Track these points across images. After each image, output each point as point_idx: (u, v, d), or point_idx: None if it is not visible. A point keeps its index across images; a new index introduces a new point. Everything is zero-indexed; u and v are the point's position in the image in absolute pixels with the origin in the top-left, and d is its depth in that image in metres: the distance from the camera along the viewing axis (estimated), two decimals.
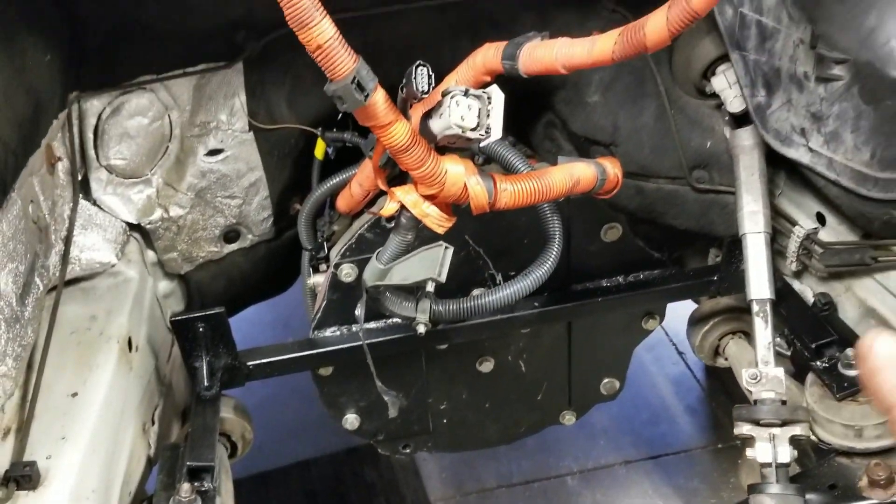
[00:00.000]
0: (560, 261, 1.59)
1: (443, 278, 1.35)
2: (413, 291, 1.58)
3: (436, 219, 1.32)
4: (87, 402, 1.33)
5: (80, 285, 1.61)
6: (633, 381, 3.39)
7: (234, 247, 1.86)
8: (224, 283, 1.89)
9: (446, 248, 1.36)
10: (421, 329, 1.53)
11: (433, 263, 1.35)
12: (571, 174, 1.42)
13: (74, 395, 1.34)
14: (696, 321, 2.02)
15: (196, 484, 1.39)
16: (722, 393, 3.34)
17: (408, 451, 1.96)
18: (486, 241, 1.72)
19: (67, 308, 1.53)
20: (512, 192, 1.34)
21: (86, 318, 1.52)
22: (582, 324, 1.89)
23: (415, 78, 1.10)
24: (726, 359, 2.00)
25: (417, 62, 1.09)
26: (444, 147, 1.28)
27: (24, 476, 1.13)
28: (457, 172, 1.28)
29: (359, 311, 1.51)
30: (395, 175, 1.46)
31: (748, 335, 1.98)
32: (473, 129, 1.17)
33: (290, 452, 3.15)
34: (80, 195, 1.63)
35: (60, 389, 1.34)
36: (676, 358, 3.56)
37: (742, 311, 1.97)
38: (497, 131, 1.19)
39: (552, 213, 1.55)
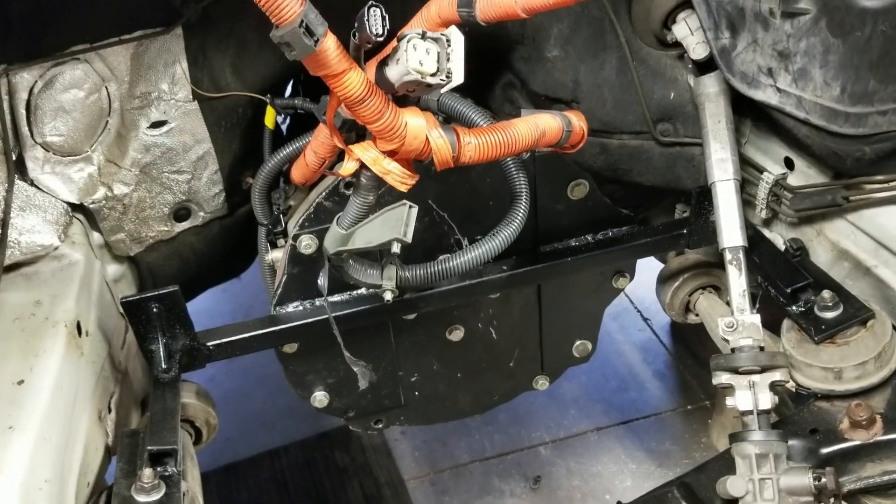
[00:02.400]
0: (527, 222, 1.54)
1: (408, 238, 1.28)
2: (377, 258, 1.52)
3: (398, 176, 1.25)
4: (34, 389, 1.24)
5: (22, 270, 1.52)
6: (600, 349, 3.36)
7: (185, 225, 1.77)
8: (177, 265, 1.80)
9: (410, 206, 1.30)
10: (388, 296, 1.46)
11: (397, 223, 1.29)
12: (537, 125, 1.36)
13: (20, 382, 1.25)
14: (665, 279, 1.99)
15: (159, 469, 1.31)
16: (689, 356, 3.36)
17: (380, 426, 1.90)
18: (450, 205, 1.66)
19: (9, 294, 1.44)
20: (476, 145, 1.28)
21: (29, 303, 1.43)
22: (552, 286, 1.84)
23: (367, 20, 1.03)
24: (697, 314, 1.98)
25: (370, 3, 1.02)
26: (402, 98, 1.21)
27: None
28: (418, 125, 1.22)
29: (321, 282, 1.44)
30: (352, 142, 1.39)
31: (718, 289, 1.96)
32: (433, 75, 1.11)
33: (259, 442, 3.09)
34: (16, 175, 1.53)
35: (4, 378, 1.25)
36: (642, 325, 3.57)
37: (711, 266, 1.95)
38: (459, 75, 1.13)
39: (517, 170, 1.50)
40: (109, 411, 1.50)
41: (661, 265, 2.06)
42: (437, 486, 2.93)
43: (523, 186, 1.48)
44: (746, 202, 1.73)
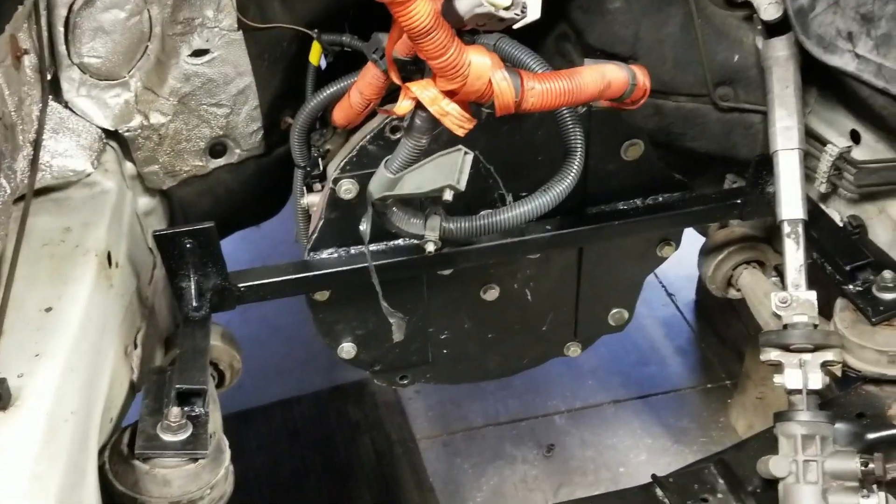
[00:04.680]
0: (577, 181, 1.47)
1: (462, 186, 1.22)
2: (422, 208, 1.46)
3: (456, 118, 1.18)
4: (63, 318, 1.19)
5: (52, 196, 1.46)
6: None
7: (220, 162, 1.70)
8: (210, 202, 1.74)
9: (466, 153, 1.23)
10: (430, 247, 1.41)
11: (451, 170, 1.22)
12: (603, 75, 1.29)
13: (49, 309, 1.19)
14: (708, 251, 1.93)
15: (186, 409, 1.27)
16: (712, 334, 3.30)
17: (405, 382, 1.85)
18: (498, 158, 1.60)
19: (38, 219, 1.38)
20: (540, 91, 1.21)
21: (59, 229, 1.37)
22: (594, 250, 1.78)
23: None
24: (738, 290, 1.91)
25: None
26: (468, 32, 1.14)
27: None
28: (482, 64, 1.14)
29: (364, 228, 1.38)
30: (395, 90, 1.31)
31: (763, 265, 1.89)
32: (507, 8, 1.04)
33: (272, 392, 3.07)
34: (51, 96, 1.46)
35: (33, 304, 1.20)
36: (666, 300, 3.51)
37: (757, 240, 1.88)
38: (535, 9, 1.06)
39: (574, 123, 1.43)
40: (136, 347, 1.45)
41: (687, 240, 1.99)
42: (448, 447, 2.90)
43: (579, 141, 1.41)
44: (806, 176, 1.66)
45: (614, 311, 1.90)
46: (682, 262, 2.08)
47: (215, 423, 1.48)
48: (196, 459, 1.23)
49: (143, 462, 1.20)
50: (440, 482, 2.75)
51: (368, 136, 1.53)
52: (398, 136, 1.40)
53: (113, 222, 1.44)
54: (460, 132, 1.21)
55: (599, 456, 2.86)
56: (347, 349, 1.75)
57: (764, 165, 1.59)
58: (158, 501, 1.19)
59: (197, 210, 1.72)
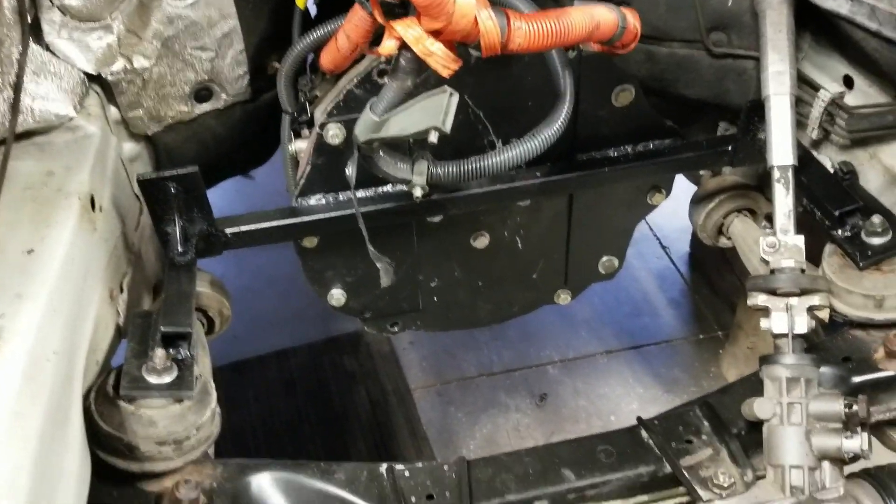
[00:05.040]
0: (566, 127, 1.45)
1: (447, 128, 1.20)
2: (409, 153, 1.44)
3: (441, 58, 1.16)
4: (45, 259, 1.18)
5: (35, 140, 1.44)
6: (616, 274, 3.35)
7: (206, 107, 1.68)
8: (196, 149, 1.72)
9: (451, 94, 1.21)
10: (417, 192, 1.39)
11: (436, 111, 1.20)
12: (592, 16, 1.27)
13: (30, 252, 1.19)
14: (699, 199, 1.91)
15: (171, 351, 1.27)
16: (705, 286, 3.32)
17: (396, 329, 1.86)
18: (487, 103, 1.57)
19: (21, 163, 1.36)
20: (527, 31, 1.19)
21: (41, 173, 1.36)
22: (585, 197, 1.77)
23: None
24: (729, 238, 1.91)
25: None
26: None
27: None
28: (467, 3, 1.12)
29: (349, 172, 1.37)
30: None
31: (754, 213, 1.88)
32: None
33: (267, 342, 3.09)
34: (31, 38, 1.44)
35: (14, 246, 1.19)
36: (660, 252, 3.52)
37: (749, 188, 1.87)
38: None
39: (563, 67, 1.40)
40: (121, 291, 1.45)
41: (682, 193, 1.97)
42: (442, 396, 2.93)
43: (569, 85, 1.39)
44: (797, 122, 1.64)
45: (604, 258, 1.90)
46: (677, 215, 2.08)
47: (204, 367, 1.49)
48: (181, 400, 1.23)
49: (128, 403, 1.21)
50: (434, 431, 2.79)
51: (355, 80, 1.51)
52: (386, 79, 1.37)
53: (96, 166, 1.43)
54: (445, 73, 1.19)
55: (591, 405, 2.90)
56: (337, 296, 1.75)
57: (755, 111, 1.57)
58: (144, 441, 1.20)
59: (183, 156, 1.70)
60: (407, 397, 2.90)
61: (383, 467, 1.36)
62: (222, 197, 3.56)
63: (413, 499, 1.31)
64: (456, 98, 1.21)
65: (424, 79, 1.30)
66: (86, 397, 1.22)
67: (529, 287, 1.89)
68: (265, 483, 1.30)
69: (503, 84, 1.56)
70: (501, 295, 1.88)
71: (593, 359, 3.09)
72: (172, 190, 1.43)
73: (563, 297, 1.93)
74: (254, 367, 3.00)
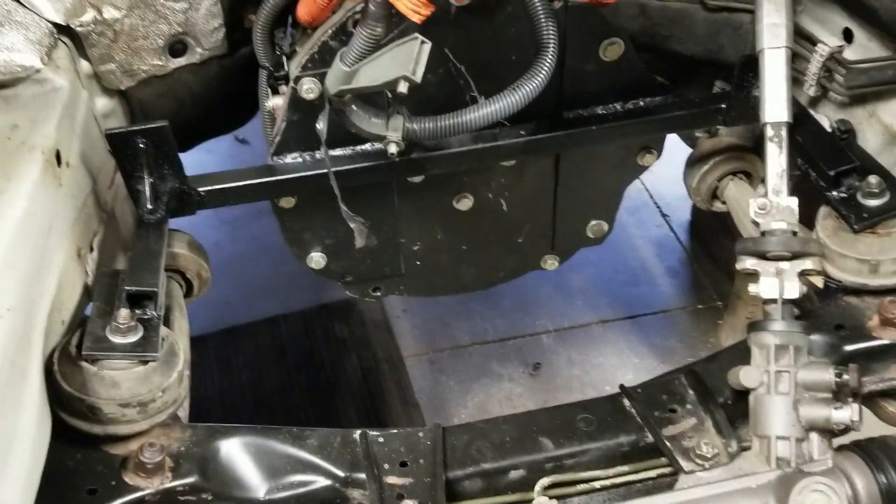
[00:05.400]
0: (552, 82, 1.39)
1: (417, 77, 1.15)
2: (384, 107, 1.39)
3: (410, 2, 1.10)
4: (4, 213, 1.14)
5: (1, 92, 1.39)
6: (614, 242, 3.29)
7: (181, 61, 1.63)
8: (172, 105, 1.67)
9: (423, 42, 1.16)
10: (392, 149, 1.35)
11: (406, 60, 1.15)
12: None
13: None
14: (694, 161, 1.86)
15: (137, 311, 1.23)
16: (705, 255, 3.26)
17: (378, 294, 1.81)
18: (469, 57, 1.51)
19: None
20: None
21: (5, 126, 1.31)
22: (572, 157, 1.71)
23: None
24: (724, 202, 1.85)
25: None
26: None
27: None
28: None
29: (320, 126, 1.32)
30: None
31: (749, 176, 1.82)
32: None
33: (259, 309, 3.06)
34: None
35: None
36: (660, 221, 3.46)
37: (744, 150, 1.81)
38: None
39: (546, 17, 1.34)
40: (91, 251, 1.41)
41: (684, 159, 1.92)
42: (435, 364, 2.90)
43: (551, 36, 1.33)
44: (793, 78, 1.57)
45: (593, 222, 1.84)
46: (678, 182, 2.02)
47: (180, 329, 1.46)
48: (146, 362, 1.20)
49: (90, 364, 1.18)
50: (425, 398, 2.76)
51: (330, 32, 1.44)
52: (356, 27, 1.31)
53: (64, 120, 1.38)
54: (415, 18, 1.13)
55: (585, 374, 2.86)
56: (317, 259, 1.70)
57: (750, 67, 1.51)
58: (107, 403, 1.16)
59: (159, 113, 1.65)
60: (399, 365, 2.87)
61: (357, 433, 1.32)
62: (220, 164, 3.53)
63: (386, 465, 1.28)
64: (428, 46, 1.16)
65: (404, 29, 1.25)
66: (49, 357, 1.18)
67: (515, 251, 1.84)
68: (235, 448, 1.27)
69: (485, 37, 1.50)
70: (486, 259, 1.84)
71: (588, 328, 3.05)
72: (141, 145, 1.39)
73: (551, 263, 1.88)
74: (245, 334, 2.98)
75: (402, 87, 1.15)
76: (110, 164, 1.55)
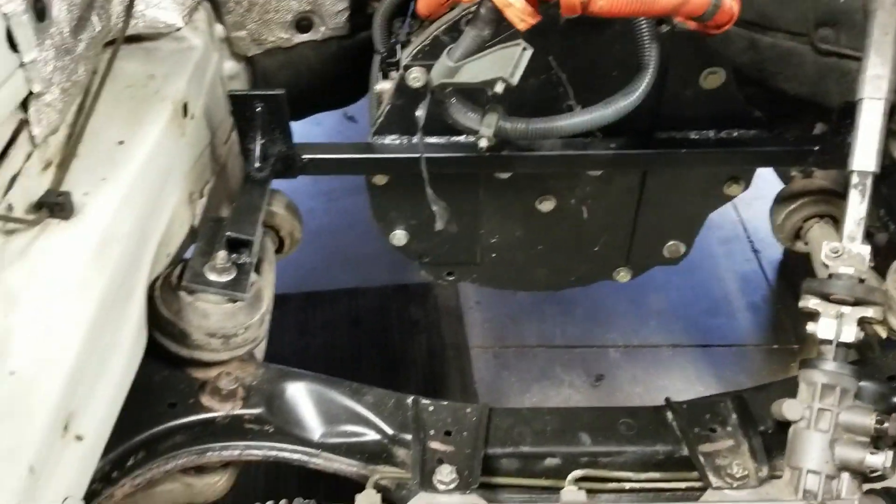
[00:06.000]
0: (648, 102, 1.45)
1: (514, 80, 1.23)
2: (482, 103, 1.47)
3: (518, 11, 1.19)
4: (132, 151, 1.30)
5: (143, 45, 1.56)
6: (699, 269, 3.29)
7: (305, 37, 1.76)
8: (290, 76, 1.81)
9: (525, 48, 1.24)
10: (483, 143, 1.43)
11: (506, 63, 1.24)
12: None
13: (121, 143, 1.30)
14: (782, 199, 1.86)
15: (234, 255, 1.37)
16: (790, 296, 3.20)
17: (451, 278, 1.91)
18: (571, 67, 1.58)
19: (126, 63, 1.48)
20: None
21: (143, 76, 1.48)
22: (659, 176, 1.75)
23: None
24: (806, 243, 1.85)
25: None
26: None
27: (58, 204, 1.12)
28: None
29: (419, 113, 1.42)
30: None
31: (836, 221, 1.82)
32: None
33: (340, 279, 3.20)
34: None
35: (108, 136, 1.31)
36: (750, 255, 3.41)
37: (834, 195, 1.81)
38: None
39: (650, 40, 1.40)
40: (201, 197, 1.56)
41: None
42: (499, 359, 2.96)
43: (652, 57, 1.39)
44: (890, 131, 1.57)
45: (671, 243, 1.88)
46: None
47: (266, 279, 1.59)
48: (235, 300, 1.33)
49: (187, 294, 1.32)
50: (484, 389, 2.83)
51: (443, 27, 1.54)
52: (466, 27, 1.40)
53: (194, 77, 1.54)
54: (521, 25, 1.21)
55: (646, 393, 2.86)
56: (399, 236, 1.81)
57: (848, 114, 1.51)
58: (196, 331, 1.30)
59: (277, 82, 1.79)
60: (464, 354, 2.95)
61: (410, 399, 1.43)
62: (325, 136, 3.67)
63: (432, 432, 1.37)
64: (528, 53, 1.24)
65: (511, 34, 1.33)
66: (152, 284, 1.33)
67: (589, 259, 1.89)
68: (300, 391, 1.40)
69: (590, 50, 1.56)
70: (560, 262, 1.90)
71: (658, 350, 3.05)
72: (258, 108, 1.52)
73: (623, 275, 1.93)
74: (325, 300, 3.13)
75: (499, 88, 1.24)
76: (228, 123, 1.70)
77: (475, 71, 1.28)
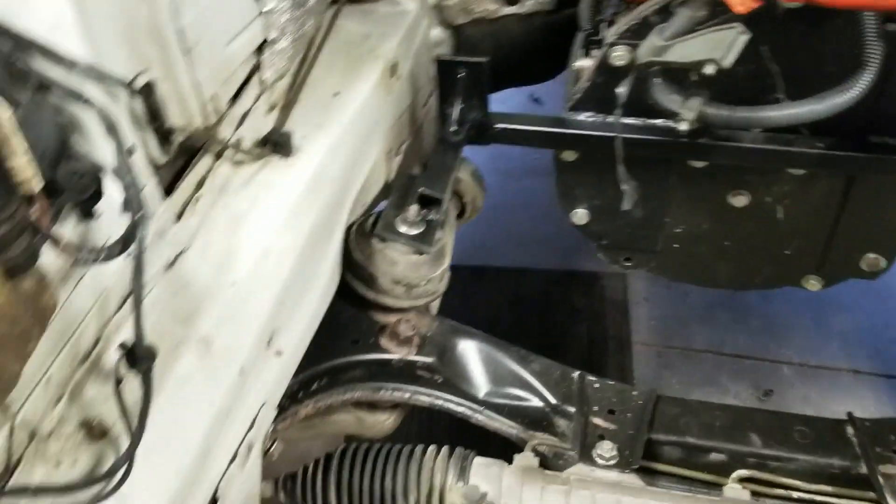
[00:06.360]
0: (865, 102, 1.36)
1: (727, 63, 1.20)
2: (685, 87, 1.45)
3: None
4: (345, 103, 1.39)
5: (362, 6, 1.66)
6: (893, 296, 3.03)
7: (511, 10, 1.80)
8: (491, 47, 1.85)
9: (742, 32, 1.20)
10: (683, 126, 1.41)
11: (720, 45, 1.21)
12: None
13: (336, 94, 1.40)
14: None
15: (424, 211, 1.43)
16: None
17: (628, 264, 1.88)
18: (786, 59, 1.50)
19: (347, 22, 1.58)
20: None
21: (360, 34, 1.57)
22: (867, 183, 1.64)
23: None
24: None
25: None
26: None
27: (280, 142, 1.22)
28: None
29: (622, 90, 1.41)
30: None
31: None
32: None
33: (508, 258, 3.24)
34: None
35: (325, 87, 1.41)
36: None
37: None
38: None
39: (875, 38, 1.31)
40: (397, 154, 1.64)
41: None
42: (662, 358, 2.89)
43: (876, 56, 1.30)
44: None
45: (871, 255, 1.75)
46: None
47: (448, 244, 1.66)
48: (420, 253, 1.40)
49: (378, 241, 1.40)
50: (643, 387, 2.77)
51: (654, 7, 1.51)
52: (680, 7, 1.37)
53: (405, 39, 1.61)
54: (740, 9, 1.18)
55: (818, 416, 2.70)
56: (580, 215, 1.81)
57: None
58: (383, 276, 1.38)
59: (478, 52, 1.84)
60: (626, 348, 2.90)
61: (576, 372, 1.44)
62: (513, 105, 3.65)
63: (595, 408, 1.38)
64: (745, 38, 1.20)
65: (727, 17, 1.29)
66: (348, 229, 1.43)
67: (778, 261, 1.80)
68: (470, 348, 1.45)
69: (808, 43, 1.48)
70: (746, 261, 1.82)
71: (837, 373, 2.85)
72: (461, 74, 1.58)
73: (813, 283, 1.82)
74: (491, 276, 3.18)
75: (709, 70, 1.21)
76: (427, 87, 1.77)
77: (686, 51, 1.26)
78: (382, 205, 1.53)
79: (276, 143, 1.22)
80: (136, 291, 0.79)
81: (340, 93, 1.40)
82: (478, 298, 3.10)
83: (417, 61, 1.68)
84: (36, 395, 0.79)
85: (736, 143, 1.57)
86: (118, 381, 0.82)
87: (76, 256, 0.75)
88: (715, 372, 2.83)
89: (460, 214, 1.86)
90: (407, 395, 1.38)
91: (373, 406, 1.43)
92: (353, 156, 1.38)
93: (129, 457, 0.78)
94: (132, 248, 0.81)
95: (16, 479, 0.77)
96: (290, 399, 1.23)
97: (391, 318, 1.40)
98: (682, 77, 1.44)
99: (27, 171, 0.68)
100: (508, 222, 3.39)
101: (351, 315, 1.40)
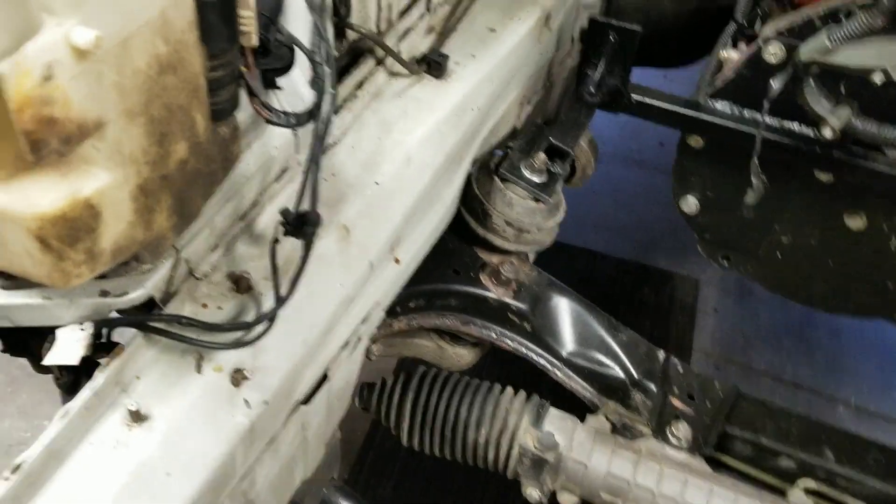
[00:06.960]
0: None
1: None
2: (837, 94, 1.42)
3: None
4: (500, 40, 1.40)
5: None
6: None
7: None
8: (639, 20, 1.83)
9: None
10: (828, 133, 1.39)
11: (894, 54, 1.18)
12: None
13: (492, 30, 1.42)
14: None
15: (549, 162, 1.45)
16: None
17: (725, 262, 1.87)
18: None
19: None
20: None
21: None
22: None
23: None
24: None
25: None
26: None
27: (436, 63, 1.25)
28: None
29: (774, 85, 1.39)
30: None
31: None
32: None
33: (585, 238, 3.23)
34: None
35: (483, 21, 1.44)
36: None
37: None
38: None
39: None
40: (528, 104, 1.65)
41: None
42: (719, 371, 2.86)
43: None
44: None
45: None
46: None
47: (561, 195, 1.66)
48: (538, 200, 1.41)
49: (500, 181, 1.42)
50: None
51: (821, 11, 1.49)
52: (857, 10, 1.35)
53: None
54: None
55: None
56: (690, 203, 1.79)
57: None
58: (497, 215, 1.40)
59: (627, 20, 1.82)
60: (685, 353, 2.87)
61: (661, 352, 1.45)
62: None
63: (676, 390, 1.39)
64: None
65: None
66: (472, 163, 1.45)
67: (878, 292, 1.77)
68: (562, 305, 1.47)
69: None
70: (845, 285, 1.79)
71: (893, 425, 2.80)
72: (611, 38, 1.57)
73: None
74: (565, 253, 3.18)
75: (877, 78, 1.19)
76: (569, 47, 1.77)
77: (853, 56, 1.24)
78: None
79: (432, 63, 1.24)
80: (314, 159, 0.82)
81: (496, 30, 1.42)
82: (548, 271, 3.10)
83: (567, 19, 1.69)
84: (200, 238, 0.84)
85: (871, 164, 1.54)
86: (275, 241, 0.86)
87: (269, 116, 0.79)
88: (769, 396, 2.77)
89: (568, 179, 1.87)
90: (494, 336, 1.41)
91: (455, 339, 1.46)
92: (496, 92, 1.40)
93: (274, 313, 0.82)
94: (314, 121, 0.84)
95: (168, 309, 0.82)
96: (388, 313, 1.27)
97: (494, 258, 1.42)
98: (835, 83, 1.42)
99: (250, 25, 0.72)
100: (590, 205, 3.37)
101: (457, 246, 1.42)
